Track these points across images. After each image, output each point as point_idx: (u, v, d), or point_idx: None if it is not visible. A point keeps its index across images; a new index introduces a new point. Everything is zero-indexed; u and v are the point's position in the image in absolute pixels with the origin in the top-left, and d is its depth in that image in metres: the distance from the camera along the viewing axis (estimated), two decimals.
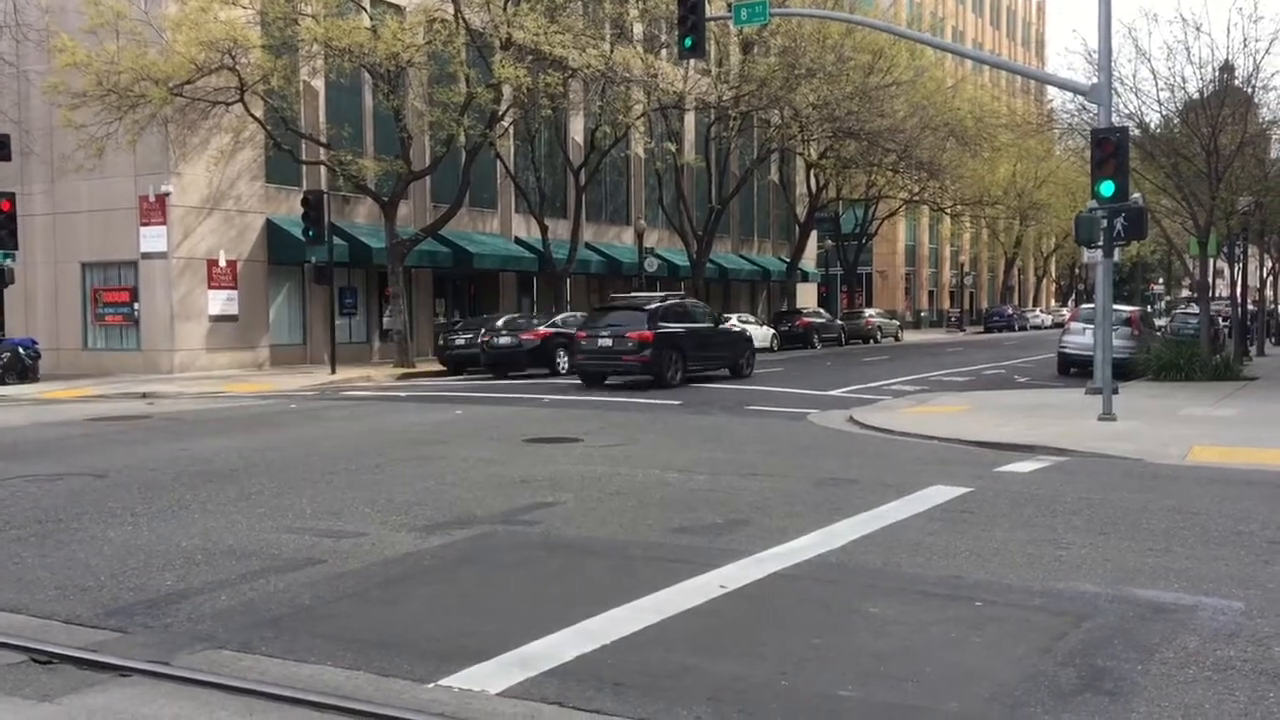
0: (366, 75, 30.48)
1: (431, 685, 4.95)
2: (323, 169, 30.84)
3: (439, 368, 30.02)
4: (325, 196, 27.98)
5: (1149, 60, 29.40)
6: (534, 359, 27.59)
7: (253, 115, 28.28)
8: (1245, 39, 23.78)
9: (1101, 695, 4.78)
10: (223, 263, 29.78)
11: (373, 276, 34.19)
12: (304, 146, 30.52)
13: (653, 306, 23.66)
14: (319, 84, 31.87)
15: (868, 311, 54.54)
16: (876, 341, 49.80)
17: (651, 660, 5.30)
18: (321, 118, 31.86)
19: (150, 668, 5.19)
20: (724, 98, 40.10)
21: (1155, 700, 4.72)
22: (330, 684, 4.97)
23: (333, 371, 27.83)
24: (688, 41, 20.63)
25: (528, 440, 13.99)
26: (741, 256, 52.68)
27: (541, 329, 28.15)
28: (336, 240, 29.47)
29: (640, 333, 22.27)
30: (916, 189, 52.11)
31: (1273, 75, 46.56)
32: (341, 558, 7.43)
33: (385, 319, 34.16)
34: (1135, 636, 5.59)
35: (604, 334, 23.18)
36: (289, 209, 30.85)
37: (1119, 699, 4.74)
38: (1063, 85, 22.81)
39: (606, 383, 23.47)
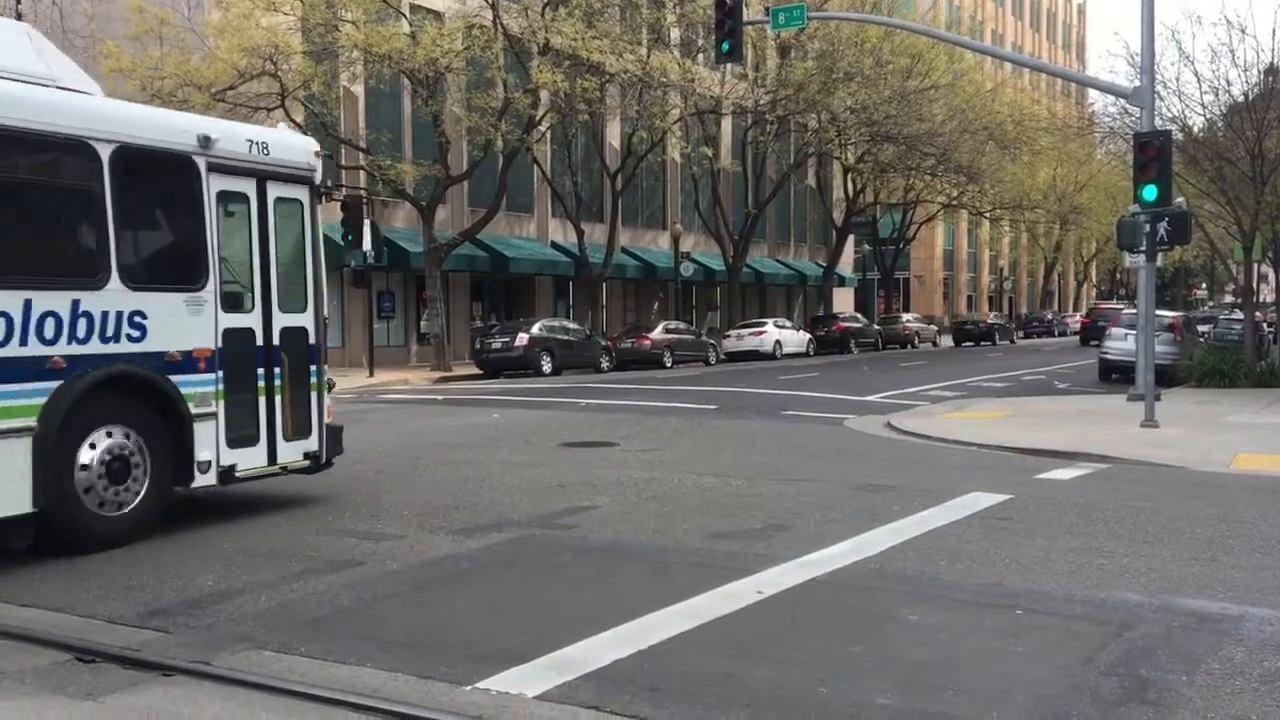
0: (405, 81, 30.71)
1: (469, 688, 4.97)
2: (362, 173, 31.10)
3: (475, 371, 30.17)
4: (364, 201, 28.14)
5: (1193, 63, 29.47)
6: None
7: (293, 121, 28.50)
8: None
9: (1145, 706, 4.72)
10: None
11: (410, 280, 34.42)
12: (344, 151, 30.79)
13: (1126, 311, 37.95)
14: (359, 90, 32.16)
15: (905, 316, 54.17)
16: (914, 346, 49.46)
17: (688, 666, 5.28)
18: (361, 123, 32.13)
19: (192, 667, 5.24)
20: (761, 102, 40.05)
21: (1200, 712, 4.65)
22: (369, 685, 5.00)
23: (370, 375, 28.03)
24: (725, 46, 20.62)
25: (564, 444, 14.02)
26: (778, 261, 52.54)
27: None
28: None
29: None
30: (955, 193, 51.75)
31: None
32: (380, 560, 7.47)
33: (423, 323, 34.40)
34: (1180, 647, 5.51)
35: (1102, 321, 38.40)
36: (328, 213, 31.07)
37: (1163, 710, 4.68)
38: (1104, 88, 22.60)
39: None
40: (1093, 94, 41.78)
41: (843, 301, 56.78)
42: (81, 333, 7.70)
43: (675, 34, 37.00)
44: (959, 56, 43.89)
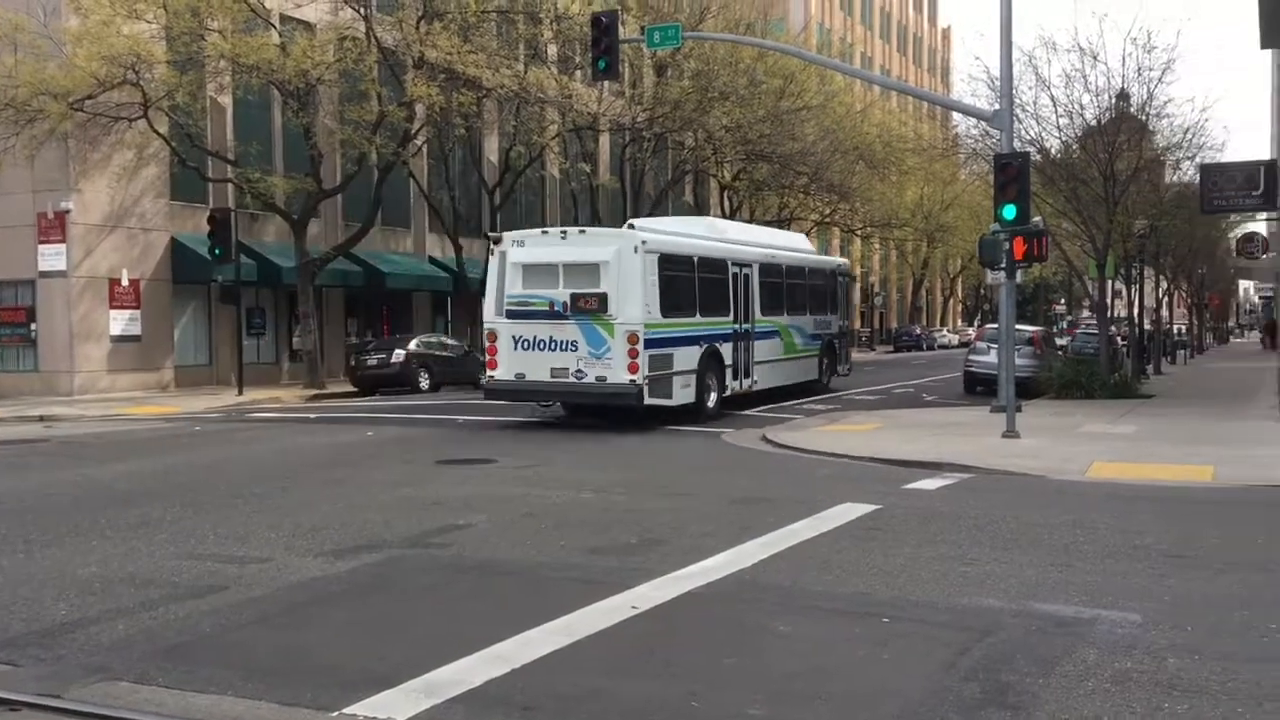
0: (276, 92, 30.02)
1: (335, 714, 4.85)
2: (230, 186, 30.27)
3: (350, 388, 29.58)
4: (233, 214, 27.45)
5: (1049, 88, 30.02)
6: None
7: (157, 132, 27.64)
8: (1139, 68, 24.51)
9: (1004, 709, 4.87)
10: (125, 282, 28.99)
11: (282, 296, 33.57)
12: (210, 164, 29.93)
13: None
14: (226, 100, 31.31)
15: None
16: None
17: (563, 683, 5.26)
18: (229, 134, 31.28)
19: (41, 701, 5.00)
20: (638, 119, 40.29)
21: (1055, 713, 4.82)
22: (230, 714, 4.84)
23: (240, 393, 27.23)
24: (601, 63, 20.69)
25: (441, 462, 13.84)
26: None
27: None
28: (244, 259, 28.93)
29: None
30: (827, 211, 52.91)
31: (1165, 103, 47.84)
32: (245, 584, 7.25)
33: (295, 339, 33.55)
34: (1037, 650, 5.71)
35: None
36: (195, 227, 30.17)
37: (1021, 712, 4.84)
38: (967, 111, 23.38)
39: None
40: (957, 116, 43.24)
41: None
42: (822, 327, 25.93)
43: (552, 50, 37.00)
44: (830, 78, 44.94)
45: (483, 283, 36.79)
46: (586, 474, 12.67)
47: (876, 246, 72.72)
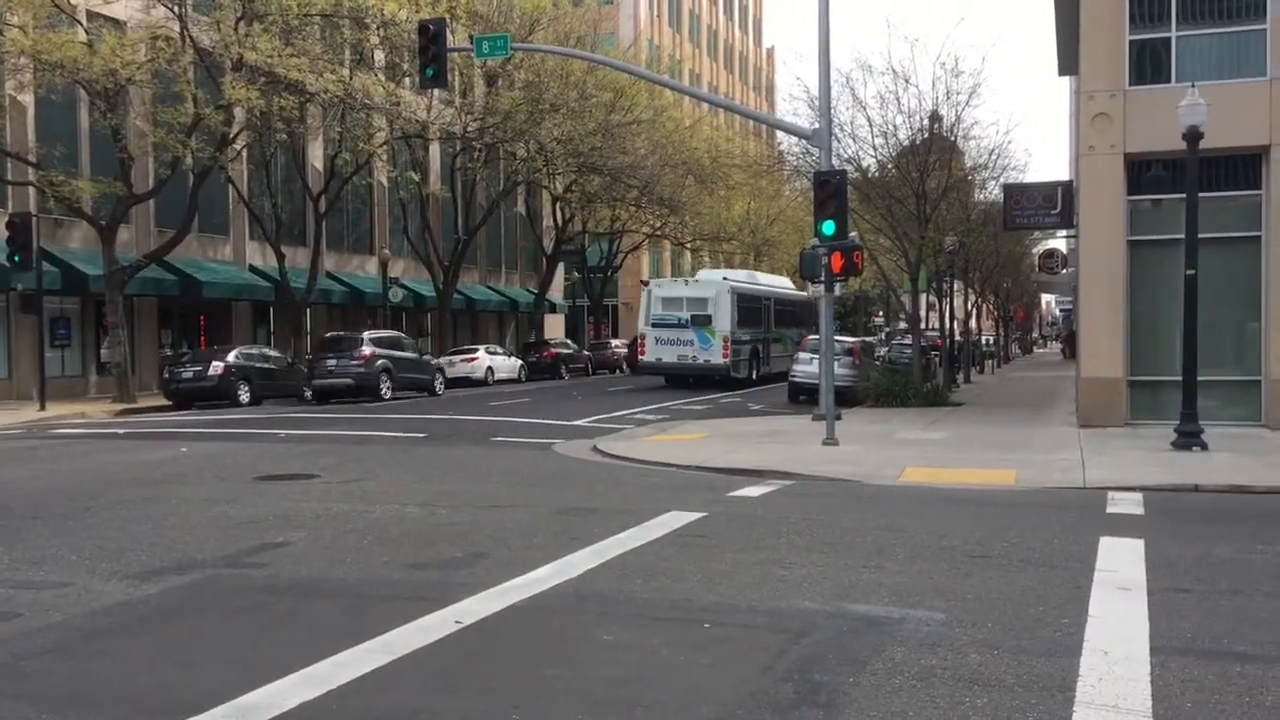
0: (82, 92, 28.54)
1: None
2: (32, 190, 28.59)
3: (164, 402, 28.32)
4: (34, 219, 25.93)
5: (865, 108, 31.14)
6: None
7: None
8: (948, 91, 25.86)
9: (817, 709, 5.03)
10: None
11: (89, 305, 31.89)
12: (10, 165, 28.20)
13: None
14: (27, 99, 29.58)
15: (614, 342, 55.46)
16: (623, 371, 50.70)
17: (380, 703, 5.16)
18: (30, 135, 29.54)
19: None
20: (469, 129, 40.00)
21: (864, 710, 5.01)
22: None
23: (42, 407, 25.72)
24: (429, 71, 20.45)
25: (259, 478, 13.38)
26: (489, 288, 52.52)
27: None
28: (47, 266, 27.36)
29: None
30: (658, 224, 53.64)
31: (973, 125, 50.46)
32: (41, 610, 6.85)
33: (103, 351, 31.91)
34: (848, 650, 5.92)
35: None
36: None
37: (832, 711, 5.00)
38: (788, 129, 24.08)
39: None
40: (780, 134, 44.52)
41: (553, 328, 57.43)
42: (798, 334, 36.13)
43: (379, 56, 36.36)
44: (659, 94, 45.61)
45: (307, 292, 35.91)
46: (412, 488, 12.47)
47: (706, 259, 74.01)
